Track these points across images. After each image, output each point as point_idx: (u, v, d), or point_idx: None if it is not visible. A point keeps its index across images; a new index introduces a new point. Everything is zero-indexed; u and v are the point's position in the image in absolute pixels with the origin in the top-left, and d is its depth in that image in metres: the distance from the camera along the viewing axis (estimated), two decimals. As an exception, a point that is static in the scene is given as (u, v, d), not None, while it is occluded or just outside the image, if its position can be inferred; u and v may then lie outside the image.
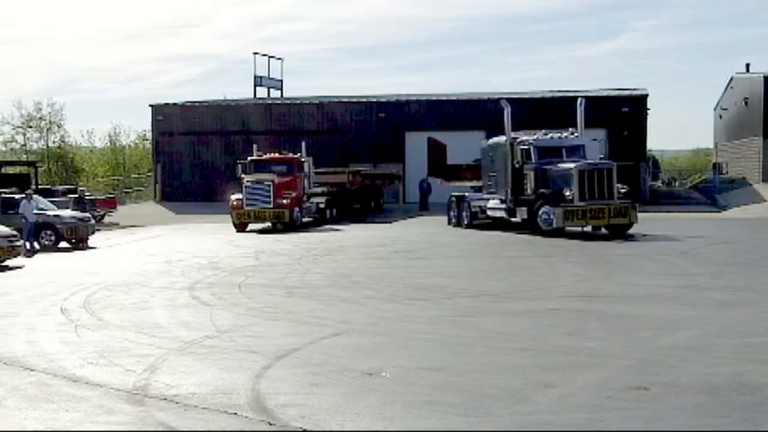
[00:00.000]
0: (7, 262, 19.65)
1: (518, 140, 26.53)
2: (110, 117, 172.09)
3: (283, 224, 29.46)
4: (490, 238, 24.81)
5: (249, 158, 32.13)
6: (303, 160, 32.07)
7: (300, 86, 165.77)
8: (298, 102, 49.14)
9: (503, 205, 26.89)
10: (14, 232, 20.51)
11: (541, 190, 25.05)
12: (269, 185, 29.42)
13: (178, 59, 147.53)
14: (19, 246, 20.45)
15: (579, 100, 27.54)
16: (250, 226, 29.87)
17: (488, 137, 43.72)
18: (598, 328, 10.37)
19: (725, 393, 7.18)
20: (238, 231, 29.15)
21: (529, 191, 25.72)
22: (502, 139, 27.52)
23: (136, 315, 11.98)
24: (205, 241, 25.75)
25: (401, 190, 44.49)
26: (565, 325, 10.56)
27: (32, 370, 8.65)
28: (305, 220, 31.06)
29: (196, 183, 47.82)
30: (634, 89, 47.19)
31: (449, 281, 15.18)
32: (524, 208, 25.64)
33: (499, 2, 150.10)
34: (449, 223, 30.15)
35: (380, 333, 10.29)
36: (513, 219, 26.39)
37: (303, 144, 33.45)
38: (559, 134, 26.95)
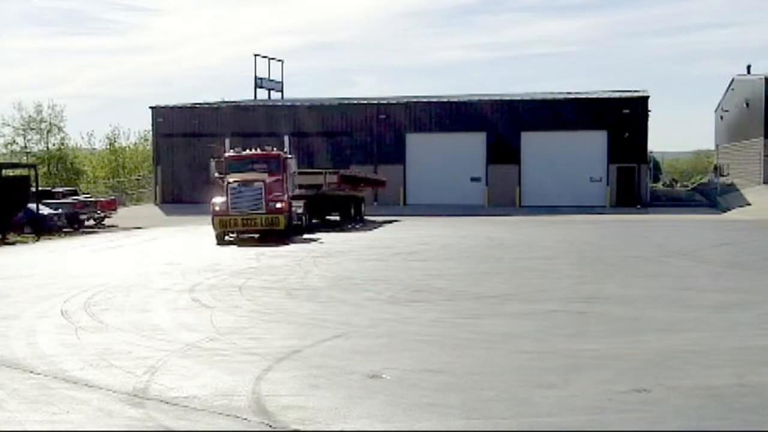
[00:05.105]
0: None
1: None
2: (110, 119, 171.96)
3: (278, 233, 24.80)
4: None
5: (226, 154, 27.25)
6: (288, 157, 27.39)
7: (300, 88, 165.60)
8: (299, 104, 49.16)
9: None
10: None
11: None
12: (260, 187, 24.93)
13: (177, 60, 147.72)
14: None
15: None
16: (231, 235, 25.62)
17: (489, 138, 44.25)
18: (599, 330, 10.36)
19: (726, 395, 7.17)
20: (218, 243, 24.42)
21: None
22: None
23: (137, 317, 11.96)
24: (205, 242, 25.72)
25: (402, 191, 44.49)
26: (566, 327, 10.55)
27: (33, 373, 8.64)
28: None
29: (197, 185, 47.81)
30: (635, 91, 47.23)
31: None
32: None
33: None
34: None
35: (381, 335, 10.29)
36: None
37: (287, 138, 29.40)
38: None
